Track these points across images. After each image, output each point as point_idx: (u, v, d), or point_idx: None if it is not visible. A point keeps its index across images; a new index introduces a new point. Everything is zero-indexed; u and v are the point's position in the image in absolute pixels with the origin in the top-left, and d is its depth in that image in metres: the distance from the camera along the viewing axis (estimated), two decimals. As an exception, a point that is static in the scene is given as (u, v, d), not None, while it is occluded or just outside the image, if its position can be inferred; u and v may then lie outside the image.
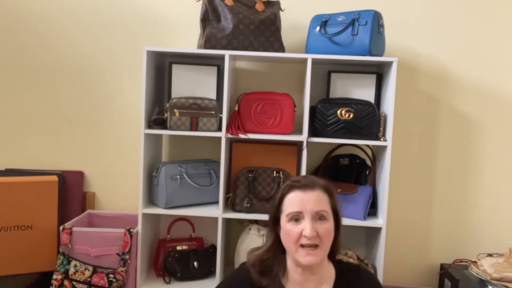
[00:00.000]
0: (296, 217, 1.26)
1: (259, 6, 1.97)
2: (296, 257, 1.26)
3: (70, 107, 2.29)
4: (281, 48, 1.96)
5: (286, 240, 1.28)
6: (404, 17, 2.18)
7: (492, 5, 2.16)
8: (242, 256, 2.01)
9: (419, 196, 2.24)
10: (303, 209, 1.25)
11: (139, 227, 1.98)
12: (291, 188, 1.29)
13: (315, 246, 1.24)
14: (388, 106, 1.92)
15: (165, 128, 1.97)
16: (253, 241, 1.98)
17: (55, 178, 2.12)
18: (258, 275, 1.30)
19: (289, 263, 1.32)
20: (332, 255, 1.36)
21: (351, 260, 1.89)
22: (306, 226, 1.23)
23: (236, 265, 2.01)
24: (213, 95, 2.08)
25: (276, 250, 1.32)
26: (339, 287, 1.33)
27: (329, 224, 1.27)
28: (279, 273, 1.31)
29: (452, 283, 2.01)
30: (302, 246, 1.24)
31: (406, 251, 2.26)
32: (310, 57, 1.90)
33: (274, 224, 1.33)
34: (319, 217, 1.25)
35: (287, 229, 1.26)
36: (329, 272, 1.35)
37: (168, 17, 2.24)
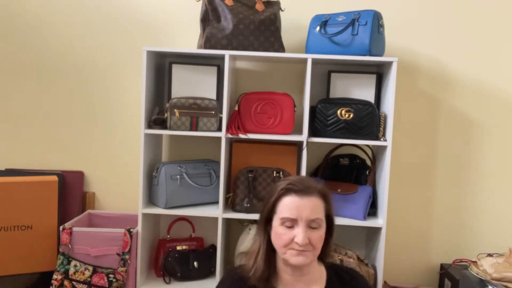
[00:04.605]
0: (290, 222, 1.25)
1: (259, 6, 1.97)
2: (285, 257, 1.26)
3: (70, 107, 2.29)
4: (281, 48, 1.96)
5: (277, 242, 1.28)
6: (404, 17, 2.18)
7: (492, 5, 2.16)
8: (242, 256, 2.01)
9: (419, 196, 2.24)
10: (298, 216, 1.24)
11: (139, 227, 1.98)
12: (287, 191, 1.27)
13: (305, 250, 1.24)
14: (388, 106, 1.92)
15: (165, 128, 1.97)
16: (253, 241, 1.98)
17: (55, 178, 2.12)
18: (249, 276, 1.30)
19: (279, 263, 1.32)
20: (322, 257, 1.35)
21: (351, 261, 1.89)
22: (299, 234, 1.22)
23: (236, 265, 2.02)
24: (213, 95, 2.08)
25: (267, 250, 1.31)
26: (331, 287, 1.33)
27: (322, 231, 1.27)
28: (269, 274, 1.31)
29: (452, 283, 2.01)
30: (292, 249, 1.24)
31: (406, 251, 2.26)
32: (310, 57, 1.90)
33: (265, 224, 1.32)
34: (312, 224, 1.25)
35: (280, 232, 1.26)
36: (320, 273, 1.35)
37: (168, 17, 2.24)
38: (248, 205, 1.96)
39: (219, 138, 1.98)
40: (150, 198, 2.07)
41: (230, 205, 2.02)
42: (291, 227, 1.25)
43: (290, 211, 1.25)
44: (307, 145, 1.91)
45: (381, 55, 1.95)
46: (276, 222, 1.28)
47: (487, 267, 1.90)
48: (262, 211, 1.34)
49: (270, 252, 1.32)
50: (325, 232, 1.30)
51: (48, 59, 2.27)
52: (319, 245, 1.27)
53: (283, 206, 1.27)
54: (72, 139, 2.30)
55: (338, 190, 2.00)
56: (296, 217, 1.24)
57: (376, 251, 1.99)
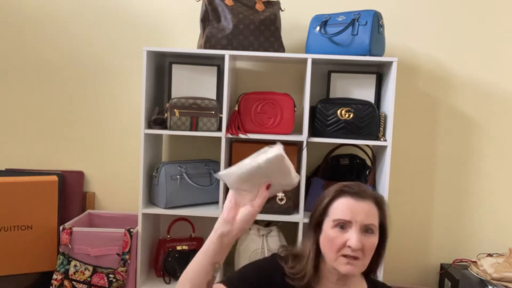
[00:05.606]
0: (343, 225, 1.18)
1: (259, 6, 1.97)
2: (335, 265, 1.19)
3: (70, 107, 2.29)
4: (281, 48, 1.96)
5: (327, 246, 1.21)
6: (404, 17, 2.18)
7: (492, 5, 2.16)
8: (242, 256, 2.00)
9: (419, 196, 2.24)
10: (353, 218, 1.17)
11: (139, 227, 1.98)
12: (341, 193, 1.22)
13: (357, 257, 1.17)
14: (388, 106, 1.92)
15: (165, 128, 1.97)
16: (253, 241, 1.98)
17: (55, 178, 2.12)
18: (292, 278, 1.24)
19: (324, 268, 1.26)
20: (369, 272, 1.29)
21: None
22: (352, 237, 1.16)
23: (236, 266, 2.01)
24: (213, 95, 2.08)
25: (315, 256, 1.25)
26: None
27: (375, 239, 1.20)
28: (311, 277, 1.24)
29: (452, 283, 2.01)
30: (343, 255, 1.18)
31: (406, 251, 2.26)
32: (310, 57, 1.90)
33: (315, 227, 1.25)
34: (366, 230, 1.18)
35: (331, 236, 1.19)
36: (361, 285, 1.29)
37: (168, 17, 2.24)
38: (248, 205, 1.96)
39: (219, 138, 1.98)
40: (150, 198, 2.07)
41: (230, 205, 2.01)
42: (343, 228, 1.18)
43: (344, 213, 1.19)
44: (307, 145, 1.91)
45: (381, 55, 1.95)
46: (327, 225, 1.21)
47: (487, 267, 1.89)
48: (313, 214, 1.26)
49: (316, 256, 1.25)
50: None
51: (48, 59, 2.27)
52: (370, 254, 1.20)
53: (336, 208, 1.21)
54: (72, 139, 2.30)
55: (338, 190, 1.99)
56: (350, 219, 1.17)
57: (376, 251, 1.99)
